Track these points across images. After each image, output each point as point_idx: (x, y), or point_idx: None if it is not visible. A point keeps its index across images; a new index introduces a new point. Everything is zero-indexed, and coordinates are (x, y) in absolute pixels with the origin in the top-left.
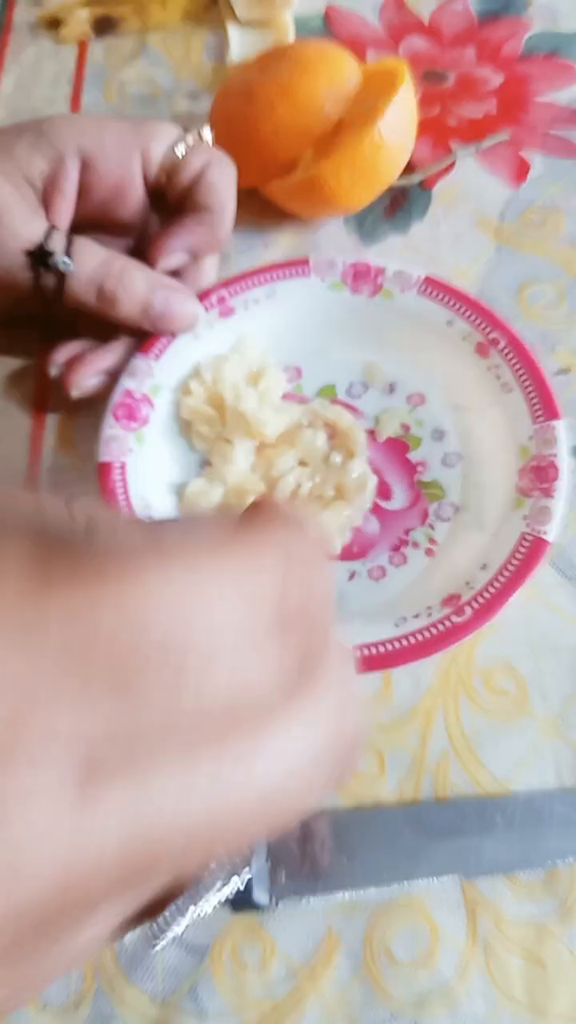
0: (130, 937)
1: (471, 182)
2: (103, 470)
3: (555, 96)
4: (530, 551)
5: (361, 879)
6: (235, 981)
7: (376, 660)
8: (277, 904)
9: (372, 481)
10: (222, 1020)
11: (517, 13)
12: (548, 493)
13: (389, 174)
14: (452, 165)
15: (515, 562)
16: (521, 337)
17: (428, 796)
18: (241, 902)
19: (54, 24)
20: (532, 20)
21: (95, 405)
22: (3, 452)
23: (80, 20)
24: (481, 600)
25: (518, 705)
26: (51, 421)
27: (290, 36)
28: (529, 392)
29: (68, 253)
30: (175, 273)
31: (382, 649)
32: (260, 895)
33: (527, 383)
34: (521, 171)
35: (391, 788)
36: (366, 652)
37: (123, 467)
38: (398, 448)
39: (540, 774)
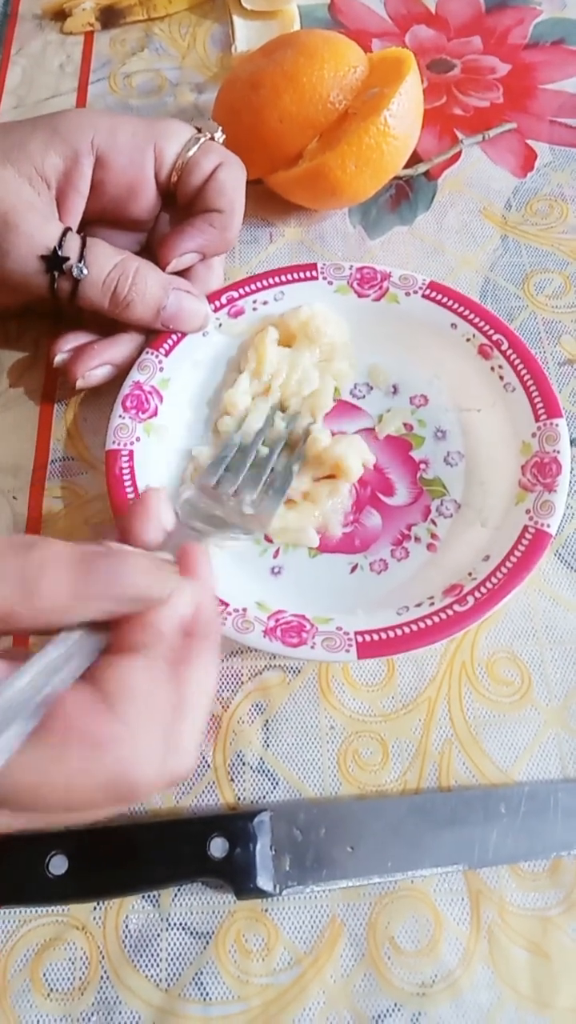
0: (135, 922)
1: (477, 172)
2: (110, 457)
3: (562, 84)
4: (532, 543)
5: (365, 868)
6: (239, 968)
7: (377, 647)
8: (281, 891)
9: (345, 487)
10: (226, 1006)
11: (525, 0)
12: (551, 488)
13: (395, 164)
14: (458, 155)
15: (518, 553)
16: (523, 338)
17: (431, 785)
18: (245, 889)
19: (60, 15)
20: (540, 7)
21: (102, 397)
22: (12, 442)
23: (85, 11)
24: (484, 590)
25: (521, 694)
26: (58, 412)
27: (296, 26)
28: (532, 391)
29: (82, 256)
30: (184, 272)
31: (384, 636)
32: (264, 882)
33: (529, 383)
34: (527, 160)
35: (394, 777)
36: (368, 639)
37: (130, 455)
38: (401, 446)
39: (544, 764)
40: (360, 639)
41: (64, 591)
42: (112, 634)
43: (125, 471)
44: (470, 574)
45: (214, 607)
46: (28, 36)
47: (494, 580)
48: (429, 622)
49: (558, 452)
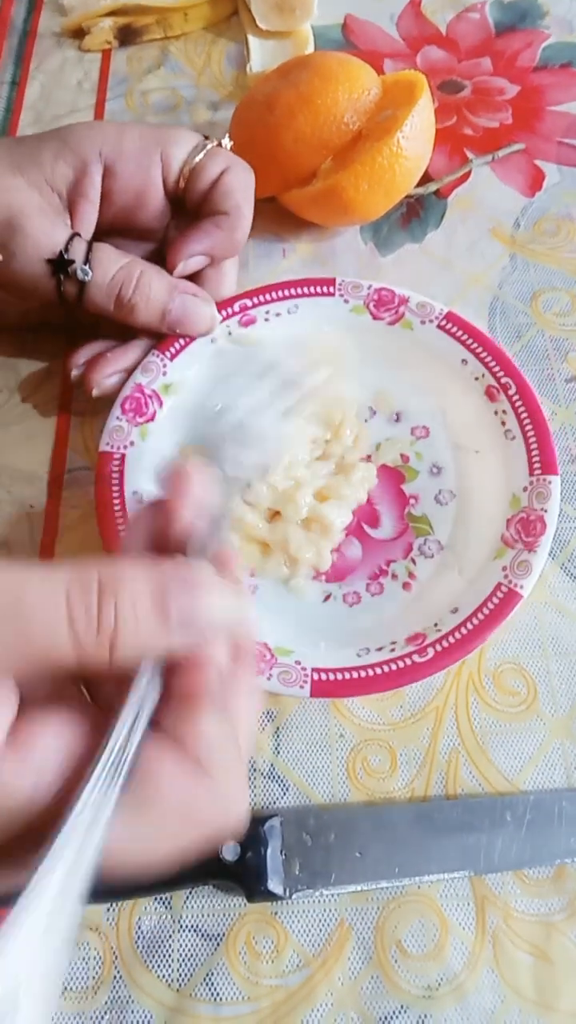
0: (148, 924)
1: (486, 191)
2: (102, 459)
3: (569, 106)
4: (502, 602)
5: (373, 873)
6: (249, 969)
7: (331, 687)
8: (291, 895)
9: (339, 530)
10: (236, 1007)
11: (533, 24)
12: (531, 547)
13: (407, 184)
14: (468, 174)
15: (486, 611)
16: (530, 355)
17: (439, 793)
18: (256, 892)
19: (78, 33)
20: (548, 31)
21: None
22: (29, 452)
23: (104, 29)
24: (446, 643)
25: (527, 705)
26: (75, 423)
27: (310, 46)
28: (531, 443)
29: (88, 260)
30: (195, 277)
31: (339, 676)
32: (275, 886)
33: (531, 434)
34: (536, 180)
35: (402, 784)
36: (324, 677)
37: (122, 458)
38: (394, 478)
39: (549, 773)
40: (316, 676)
41: (144, 630)
42: (173, 676)
43: (115, 473)
44: (435, 625)
45: (253, 624)
46: (47, 53)
47: (458, 635)
48: (386, 668)
49: (545, 511)
